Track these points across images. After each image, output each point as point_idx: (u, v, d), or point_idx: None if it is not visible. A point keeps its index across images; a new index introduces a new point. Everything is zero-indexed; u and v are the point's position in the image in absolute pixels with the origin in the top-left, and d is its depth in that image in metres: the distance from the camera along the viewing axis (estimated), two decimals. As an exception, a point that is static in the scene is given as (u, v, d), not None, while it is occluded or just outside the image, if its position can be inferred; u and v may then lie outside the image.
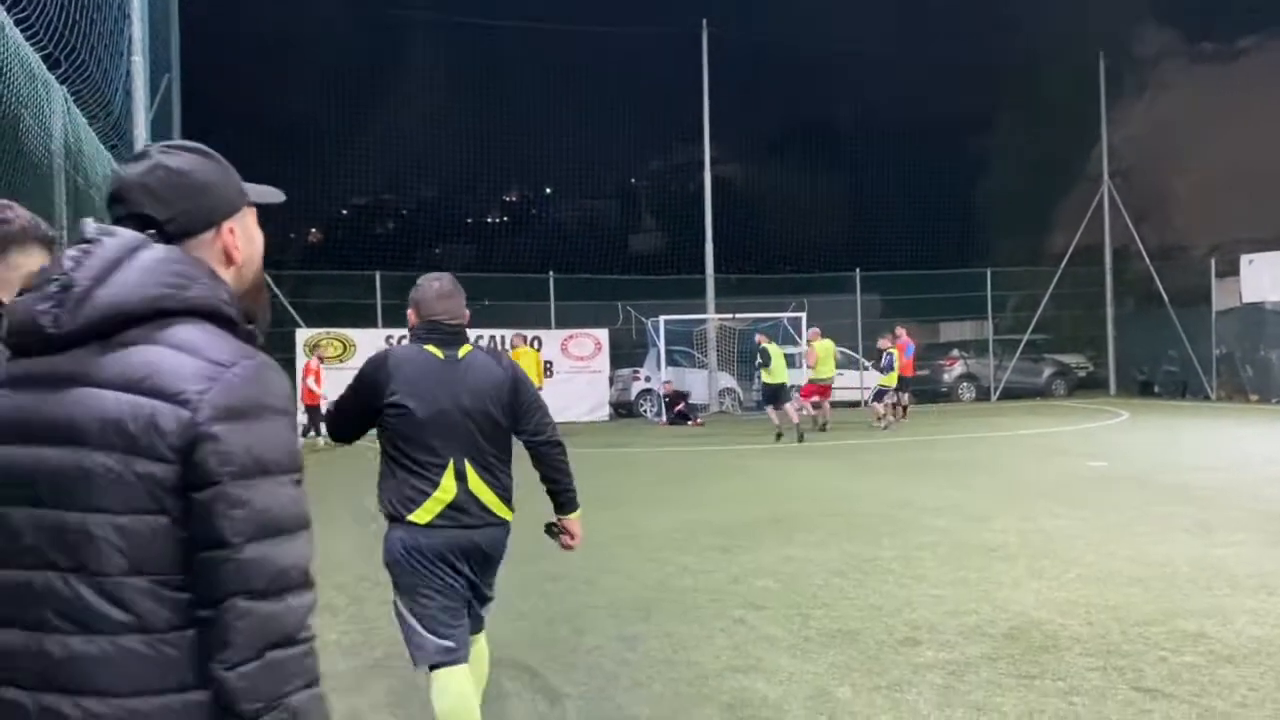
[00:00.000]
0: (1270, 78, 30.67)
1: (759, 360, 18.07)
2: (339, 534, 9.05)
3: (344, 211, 34.93)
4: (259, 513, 1.34)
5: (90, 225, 1.46)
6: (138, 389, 1.34)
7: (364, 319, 22.11)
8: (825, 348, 18.88)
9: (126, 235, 1.44)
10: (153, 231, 1.47)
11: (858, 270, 25.87)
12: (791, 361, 19.95)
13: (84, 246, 1.43)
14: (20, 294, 1.45)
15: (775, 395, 17.31)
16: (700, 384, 24.01)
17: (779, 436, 16.68)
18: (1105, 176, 29.05)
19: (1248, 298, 24.29)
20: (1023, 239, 34.07)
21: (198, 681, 1.34)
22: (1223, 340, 24.86)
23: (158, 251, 1.44)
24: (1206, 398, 24.72)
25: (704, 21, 25.52)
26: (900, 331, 19.89)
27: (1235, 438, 15.73)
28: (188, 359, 1.36)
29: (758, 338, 18.91)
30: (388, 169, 30.30)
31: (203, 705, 1.34)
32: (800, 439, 16.40)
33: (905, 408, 19.56)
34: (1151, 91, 35.73)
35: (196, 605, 1.34)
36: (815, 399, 18.85)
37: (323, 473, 14.14)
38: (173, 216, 1.49)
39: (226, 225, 1.55)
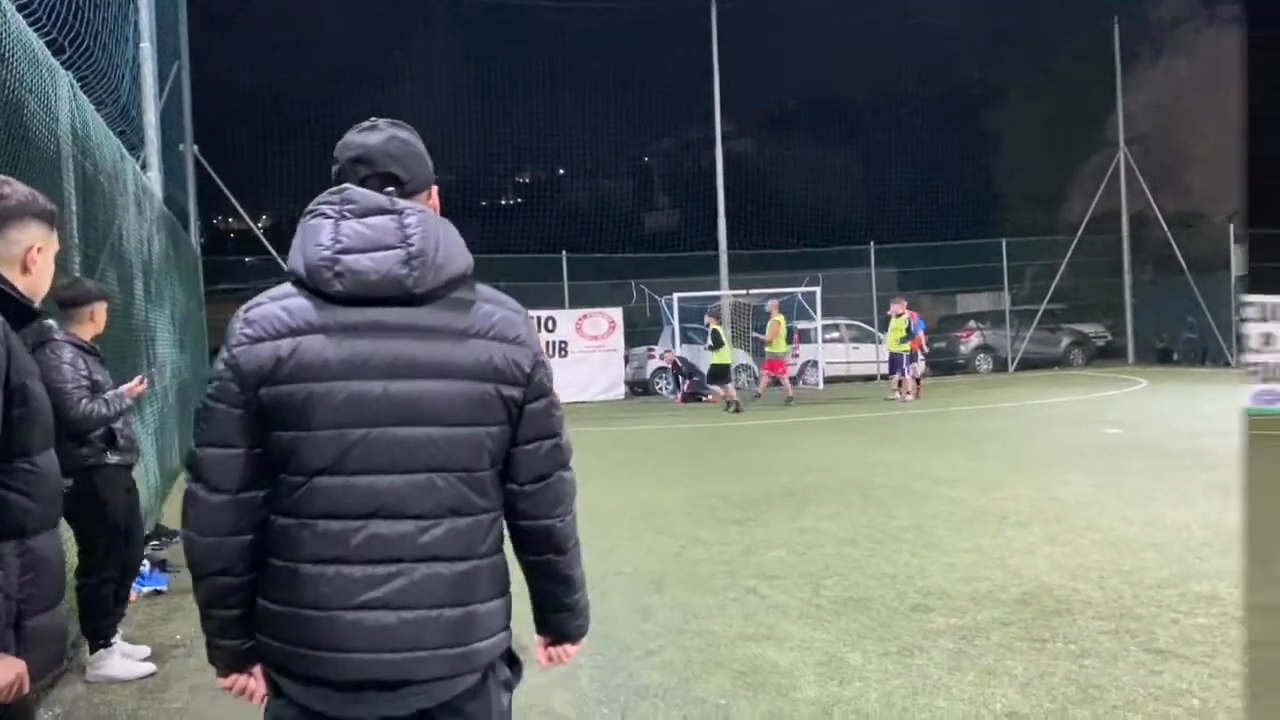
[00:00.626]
0: (1289, 38, 30.20)
1: (709, 342, 18.69)
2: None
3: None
4: (562, 411, 1.94)
5: (375, 194, 1.80)
6: (489, 335, 1.81)
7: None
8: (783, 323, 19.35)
9: (417, 206, 1.83)
10: (391, 189, 1.83)
11: (872, 243, 25.75)
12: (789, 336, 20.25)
13: (395, 217, 1.78)
14: (345, 250, 1.75)
15: (721, 375, 18.86)
16: (715, 361, 23.96)
17: (733, 408, 17.97)
18: (1121, 143, 28.77)
19: (1268, 262, 24.04)
20: (1039, 208, 33.79)
21: (501, 545, 1.90)
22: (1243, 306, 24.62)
23: (442, 221, 1.84)
24: (1226, 364, 24.51)
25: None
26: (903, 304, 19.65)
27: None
28: (500, 309, 1.85)
29: (706, 319, 19.21)
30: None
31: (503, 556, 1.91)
32: (738, 409, 17.84)
33: (918, 380, 19.53)
34: (1167, 56, 35.28)
35: (509, 482, 1.90)
36: (775, 374, 19.36)
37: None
38: (410, 178, 1.87)
39: (434, 188, 1.96)
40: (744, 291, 23.68)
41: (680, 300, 22.51)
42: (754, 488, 9.44)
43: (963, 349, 26.97)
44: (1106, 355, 28.76)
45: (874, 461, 10.96)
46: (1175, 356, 26.51)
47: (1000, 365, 26.96)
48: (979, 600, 5.35)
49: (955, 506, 8.07)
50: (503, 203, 37.84)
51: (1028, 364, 26.98)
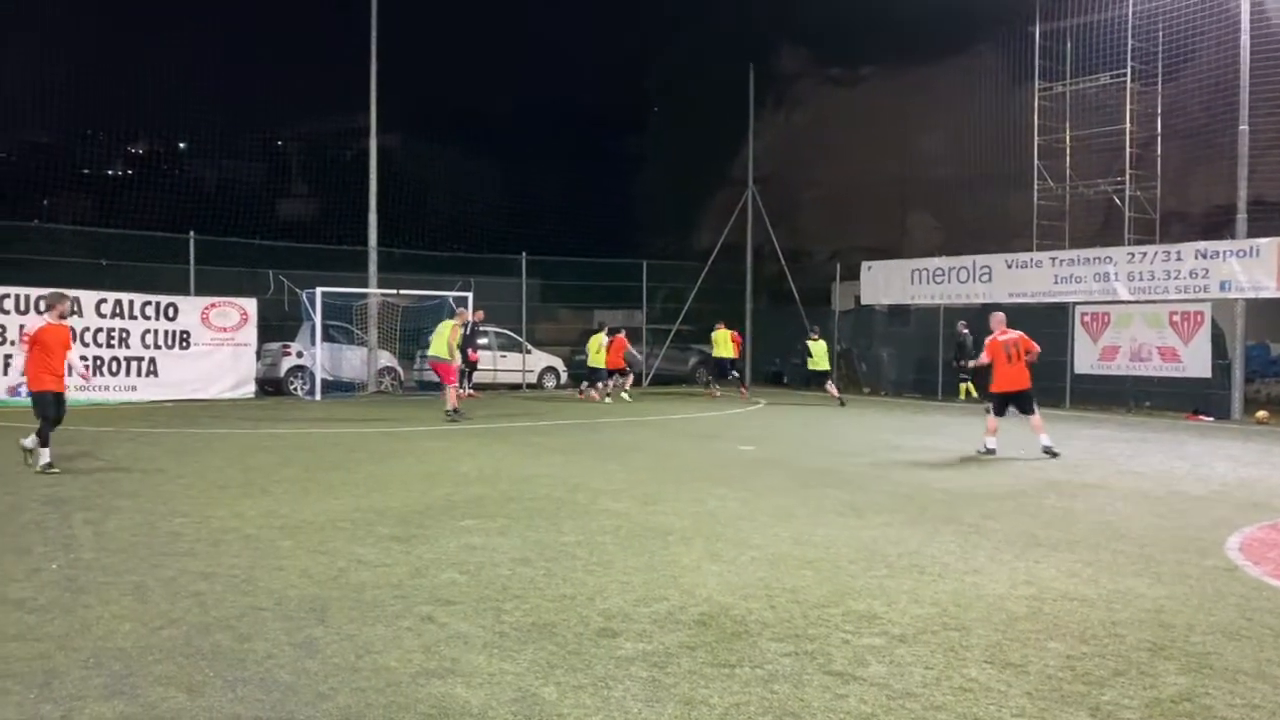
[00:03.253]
0: (887, 104, 34.44)
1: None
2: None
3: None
4: None
5: None
6: None
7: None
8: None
9: None
10: None
11: (524, 253, 25.87)
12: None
13: None
14: None
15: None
16: (358, 361, 22.87)
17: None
18: (750, 181, 31.15)
19: (865, 300, 27.12)
20: (675, 234, 35.96)
21: None
22: (843, 337, 27.56)
23: None
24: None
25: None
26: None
27: (861, 425, 17.40)
28: None
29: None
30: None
31: None
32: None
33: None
34: (789, 105, 38.99)
35: None
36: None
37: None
38: None
39: None
40: (394, 291, 22.80)
41: (324, 295, 21.21)
42: (413, 500, 8.94)
43: (602, 362, 27.82)
44: (726, 375, 30.95)
45: (532, 472, 10.82)
46: (785, 379, 29.09)
47: (635, 380, 28.12)
48: (661, 622, 5.30)
49: (620, 521, 8.10)
50: (111, 173, 34.43)
51: (659, 379, 28.41)
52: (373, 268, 23.72)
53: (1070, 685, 4.44)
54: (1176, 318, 20.33)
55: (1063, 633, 5.22)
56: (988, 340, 13.18)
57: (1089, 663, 4.74)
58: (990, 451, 12.77)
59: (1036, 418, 12.98)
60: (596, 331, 23.02)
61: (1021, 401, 12.96)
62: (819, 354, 22.90)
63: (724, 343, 24.42)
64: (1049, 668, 4.66)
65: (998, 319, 13.32)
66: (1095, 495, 9.85)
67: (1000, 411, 13.04)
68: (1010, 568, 6.66)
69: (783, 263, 30.17)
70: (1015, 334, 13.03)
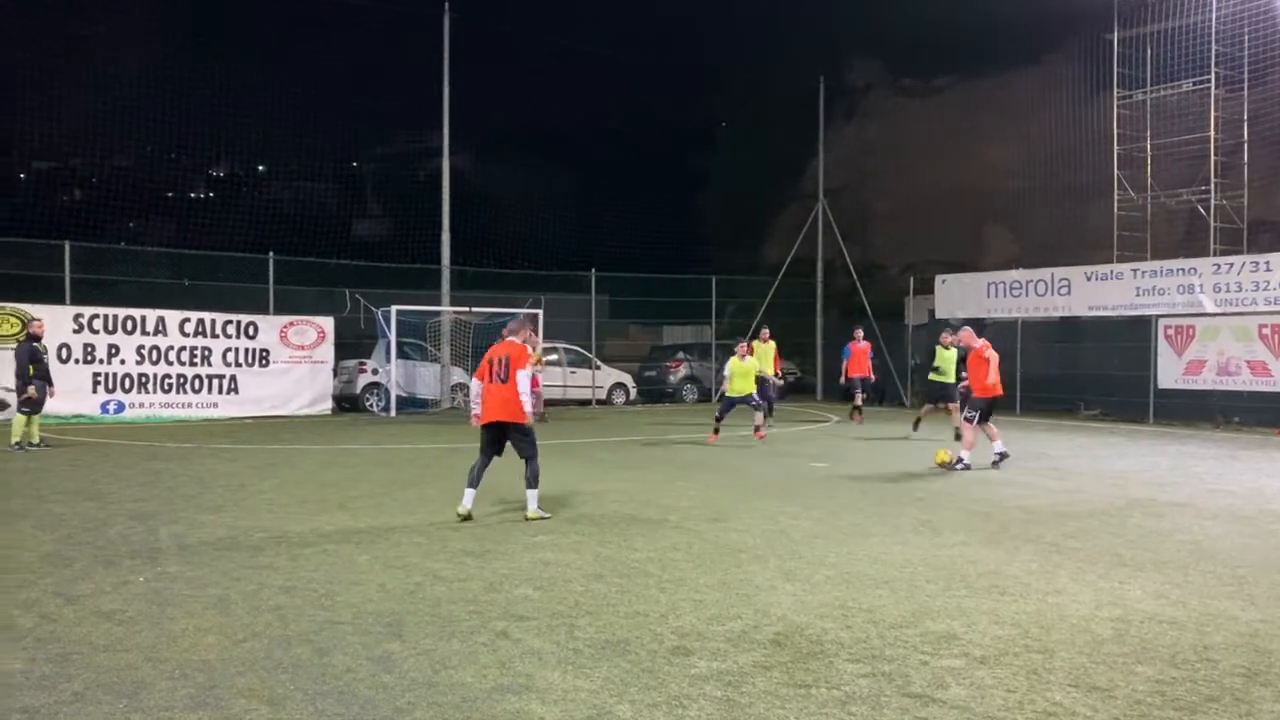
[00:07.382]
0: (961, 115, 33.94)
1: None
2: (24, 539, 7.82)
3: (22, 175, 31.56)
4: None
5: None
6: None
7: (49, 293, 19.58)
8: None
9: None
10: None
11: (593, 270, 26.01)
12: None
13: None
14: None
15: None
16: (432, 378, 23.21)
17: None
18: (821, 195, 30.94)
19: (940, 314, 26.68)
20: (743, 249, 35.82)
21: None
22: (916, 351, 27.15)
23: None
24: (901, 404, 26.89)
25: (446, 4, 24.64)
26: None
27: (934, 441, 17.05)
28: None
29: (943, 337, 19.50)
30: (73, 132, 27.26)
31: None
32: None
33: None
34: (860, 118, 38.63)
35: None
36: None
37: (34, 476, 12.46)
38: None
39: None
40: (466, 309, 23.11)
41: (399, 313, 21.58)
42: (484, 514, 9.01)
43: (671, 379, 27.87)
44: (796, 390, 30.67)
45: (602, 489, 10.84)
46: (859, 395, 28.70)
47: (705, 395, 28.05)
48: (735, 641, 5.26)
49: (692, 538, 8.06)
50: (193, 196, 35.44)
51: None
52: (445, 286, 24.07)
53: (1160, 711, 4.29)
54: (1266, 330, 19.63)
55: (1151, 656, 5.05)
56: (974, 351, 13.51)
57: (1180, 688, 4.58)
58: (1005, 456, 13.34)
59: (993, 425, 13.64)
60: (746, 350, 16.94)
61: (994, 408, 13.68)
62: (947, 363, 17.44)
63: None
64: (1137, 692, 4.51)
65: (969, 333, 13.89)
66: (1182, 514, 9.53)
67: (987, 417, 13.51)
68: (1094, 588, 6.48)
69: (854, 276, 29.89)
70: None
